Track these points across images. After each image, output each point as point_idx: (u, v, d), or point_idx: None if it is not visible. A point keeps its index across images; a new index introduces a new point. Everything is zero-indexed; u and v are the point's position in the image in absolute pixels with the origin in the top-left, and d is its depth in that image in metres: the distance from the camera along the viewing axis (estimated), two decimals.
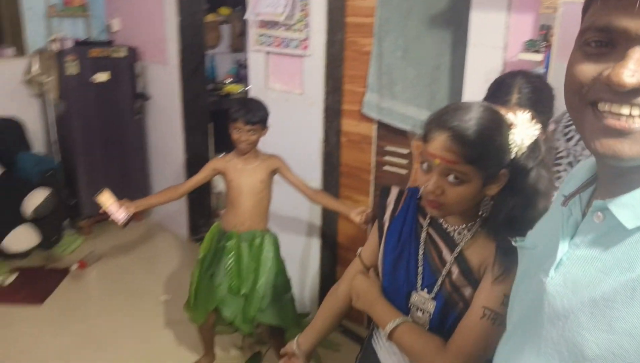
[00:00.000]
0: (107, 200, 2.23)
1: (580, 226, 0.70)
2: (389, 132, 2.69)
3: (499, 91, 1.45)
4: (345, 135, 2.92)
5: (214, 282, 2.49)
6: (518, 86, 1.43)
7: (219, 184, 4.41)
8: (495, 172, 1.10)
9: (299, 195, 3.06)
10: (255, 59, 3.18)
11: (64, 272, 3.62)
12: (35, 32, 4.09)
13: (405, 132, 2.60)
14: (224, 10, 5.29)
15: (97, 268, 3.74)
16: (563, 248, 0.71)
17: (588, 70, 0.62)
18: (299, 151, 3.02)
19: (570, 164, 1.52)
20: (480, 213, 1.17)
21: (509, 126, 1.11)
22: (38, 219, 3.56)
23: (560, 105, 1.63)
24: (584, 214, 0.72)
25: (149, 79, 4.22)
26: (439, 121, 1.10)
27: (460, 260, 1.17)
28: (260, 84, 3.18)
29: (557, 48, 1.73)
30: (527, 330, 0.75)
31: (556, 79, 1.68)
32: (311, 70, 2.86)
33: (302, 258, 3.17)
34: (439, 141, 1.07)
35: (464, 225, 1.19)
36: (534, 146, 1.11)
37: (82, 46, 4.00)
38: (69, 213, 4.09)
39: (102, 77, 3.99)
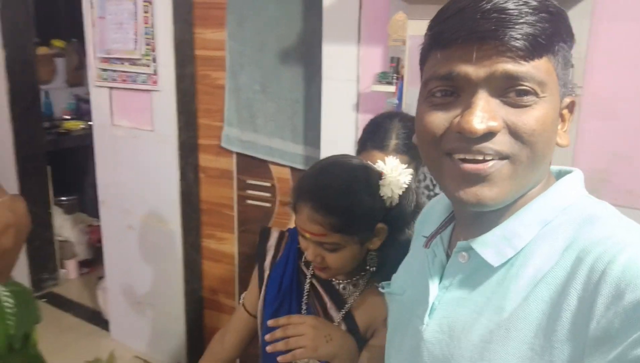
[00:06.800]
0: None
1: (446, 268, 0.71)
2: (249, 166, 2.63)
3: (377, 135, 1.41)
4: (204, 170, 2.81)
5: None
6: (396, 131, 1.38)
7: (64, 232, 4.02)
8: (371, 229, 1.06)
9: (159, 239, 2.89)
10: (98, 95, 2.96)
11: None
12: None
13: (266, 164, 2.56)
14: (58, 43, 4.90)
15: None
16: (433, 292, 0.71)
17: (438, 120, 0.63)
18: (155, 191, 2.84)
19: None
20: (367, 267, 1.12)
21: (380, 176, 1.07)
22: None
23: None
24: (447, 254, 0.73)
25: None
26: (300, 191, 1.05)
27: (349, 319, 1.11)
28: (105, 121, 2.95)
29: (408, 79, 1.81)
30: None
31: (412, 108, 1.74)
32: (161, 105, 2.72)
33: (163, 306, 2.97)
34: (304, 214, 1.03)
35: (349, 280, 1.14)
36: (407, 194, 1.08)
37: None
38: None
39: None
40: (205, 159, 2.79)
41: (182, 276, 2.86)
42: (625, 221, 0.63)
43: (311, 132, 2.35)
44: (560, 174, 0.71)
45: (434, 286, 0.71)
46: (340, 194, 1.02)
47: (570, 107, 0.68)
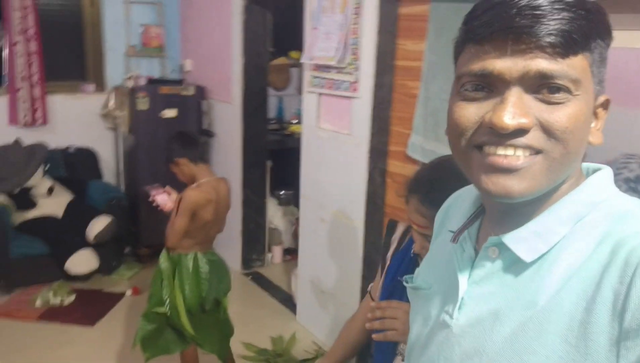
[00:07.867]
0: (156, 189, 2.65)
1: (475, 262, 0.71)
2: None
3: None
4: (391, 176, 2.91)
5: None
6: None
7: (275, 221, 4.49)
8: None
9: (344, 234, 3.07)
10: (309, 100, 3.27)
11: (119, 297, 3.77)
12: (114, 71, 4.44)
13: None
14: (294, 54, 5.47)
15: None
16: (463, 286, 0.71)
17: (470, 114, 0.64)
18: (345, 189, 3.05)
19: None
20: None
21: None
22: (99, 245, 3.77)
23: None
24: (474, 249, 0.74)
25: (215, 117, 4.42)
26: (412, 183, 1.10)
27: None
28: (312, 123, 3.26)
29: None
30: None
31: None
32: (359, 111, 2.90)
33: (342, 298, 3.15)
34: (412, 206, 1.08)
35: None
36: None
37: (153, 83, 4.28)
38: (130, 241, 4.29)
39: (170, 113, 4.23)
40: (394, 165, 2.89)
41: (361, 272, 3.00)
42: None
43: None
44: (588, 171, 0.71)
45: (463, 280, 0.71)
46: (447, 189, 1.03)
47: (605, 105, 0.67)
